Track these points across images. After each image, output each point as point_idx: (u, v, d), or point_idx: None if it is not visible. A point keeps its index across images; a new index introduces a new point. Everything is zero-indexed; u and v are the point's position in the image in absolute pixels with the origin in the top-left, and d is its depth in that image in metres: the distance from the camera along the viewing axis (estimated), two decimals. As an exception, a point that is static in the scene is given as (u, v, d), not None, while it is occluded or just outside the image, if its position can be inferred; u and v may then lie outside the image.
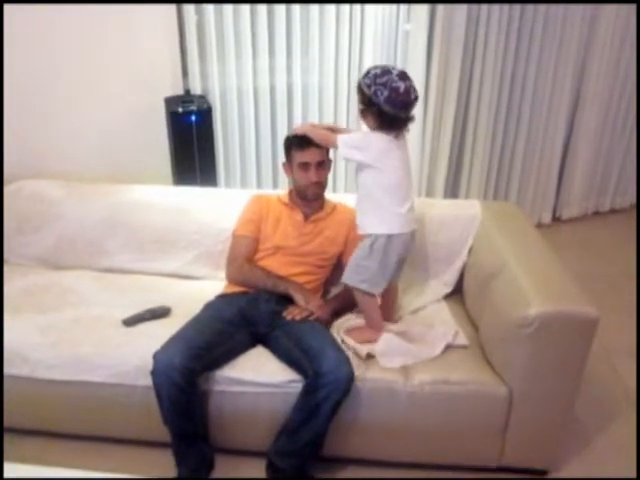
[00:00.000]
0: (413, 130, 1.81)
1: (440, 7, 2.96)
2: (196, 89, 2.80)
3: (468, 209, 2.28)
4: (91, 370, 1.83)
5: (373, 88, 1.66)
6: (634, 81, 3.56)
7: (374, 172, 1.74)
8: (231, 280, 2.06)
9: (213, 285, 2.15)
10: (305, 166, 1.93)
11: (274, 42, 2.87)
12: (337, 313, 2.02)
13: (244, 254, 2.05)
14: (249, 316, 1.90)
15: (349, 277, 1.85)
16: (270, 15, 2.81)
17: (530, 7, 3.11)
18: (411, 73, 1.73)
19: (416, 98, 1.68)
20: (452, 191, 3.55)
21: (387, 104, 1.65)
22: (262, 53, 2.87)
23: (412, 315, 2.09)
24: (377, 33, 2.95)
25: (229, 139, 3.00)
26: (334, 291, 2.15)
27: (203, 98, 2.74)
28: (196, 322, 1.83)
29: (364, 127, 1.79)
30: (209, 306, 1.95)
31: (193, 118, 2.61)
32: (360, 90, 1.71)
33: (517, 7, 3.08)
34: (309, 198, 2.02)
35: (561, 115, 3.46)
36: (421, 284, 2.22)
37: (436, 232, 2.23)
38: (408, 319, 2.05)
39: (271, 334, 1.87)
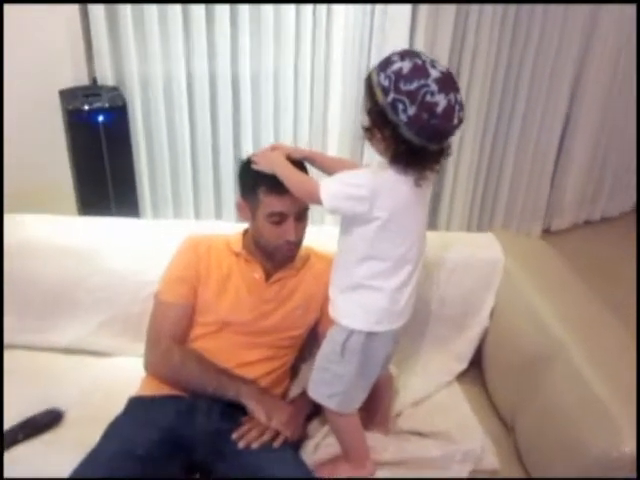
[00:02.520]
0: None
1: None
2: (106, 78, 2.11)
3: (484, 249, 1.70)
4: None
5: (392, 96, 1.01)
6: (631, 87, 3.24)
7: (374, 233, 1.13)
8: (153, 372, 1.40)
9: (129, 365, 1.52)
10: (279, 218, 1.29)
11: (213, 16, 2.19)
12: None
13: (172, 331, 1.40)
14: (180, 440, 1.25)
15: (315, 389, 1.26)
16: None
17: (526, 12, 2.66)
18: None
19: (461, 121, 1.05)
20: (432, 199, 3.00)
21: (411, 128, 1.02)
22: (198, 30, 2.19)
23: (415, 409, 1.50)
24: (349, 7, 2.31)
25: (155, 147, 2.31)
26: (305, 371, 1.52)
27: (116, 90, 2.07)
28: (90, 465, 1.14)
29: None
30: (116, 427, 1.26)
31: (101, 118, 1.97)
32: (370, 91, 1.06)
33: (511, 14, 2.62)
34: (277, 259, 1.38)
35: (556, 117, 3.06)
36: (423, 359, 1.64)
37: (442, 283, 1.64)
38: (409, 418, 1.46)
39: (214, 465, 1.23)
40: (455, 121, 1.03)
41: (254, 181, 1.29)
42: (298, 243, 1.36)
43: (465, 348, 1.63)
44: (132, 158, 2.09)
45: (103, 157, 1.97)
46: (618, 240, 3.40)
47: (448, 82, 1.02)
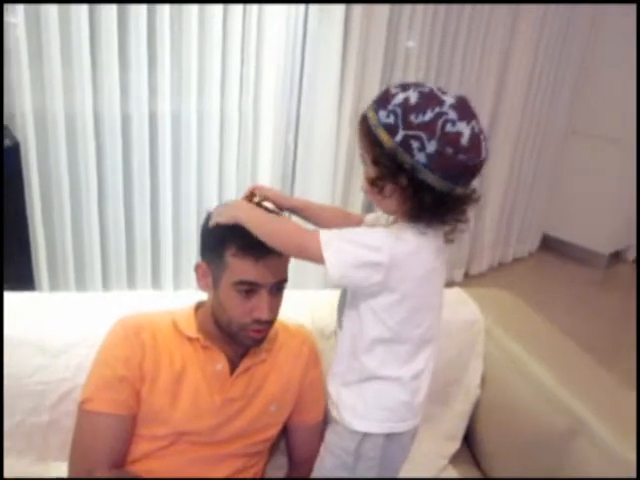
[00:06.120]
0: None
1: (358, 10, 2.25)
2: (-10, 113, 1.72)
3: (460, 307, 1.52)
4: None
5: (402, 134, 0.81)
6: (536, 137, 3.50)
7: (387, 311, 0.92)
8: (81, 513, 1.01)
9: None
10: (249, 287, 1.00)
11: (127, 45, 1.88)
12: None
13: (107, 454, 1.03)
14: None
15: None
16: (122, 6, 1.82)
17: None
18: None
19: (487, 154, 0.87)
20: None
21: (434, 169, 0.83)
22: (108, 61, 1.85)
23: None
24: (281, 37, 2.11)
25: (54, 200, 1.91)
26: (272, 470, 1.22)
27: (4, 128, 1.71)
28: None
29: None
30: None
31: (-15, 164, 1.57)
32: (369, 136, 0.85)
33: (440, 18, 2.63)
34: (240, 342, 1.07)
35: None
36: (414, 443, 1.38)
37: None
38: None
39: None
40: (483, 154, 0.85)
41: (219, 238, 1.00)
42: (270, 323, 1.07)
43: (455, 425, 1.44)
44: (25, 212, 1.68)
45: (-13, 213, 1.56)
46: (531, 277, 3.66)
47: (466, 108, 0.84)
